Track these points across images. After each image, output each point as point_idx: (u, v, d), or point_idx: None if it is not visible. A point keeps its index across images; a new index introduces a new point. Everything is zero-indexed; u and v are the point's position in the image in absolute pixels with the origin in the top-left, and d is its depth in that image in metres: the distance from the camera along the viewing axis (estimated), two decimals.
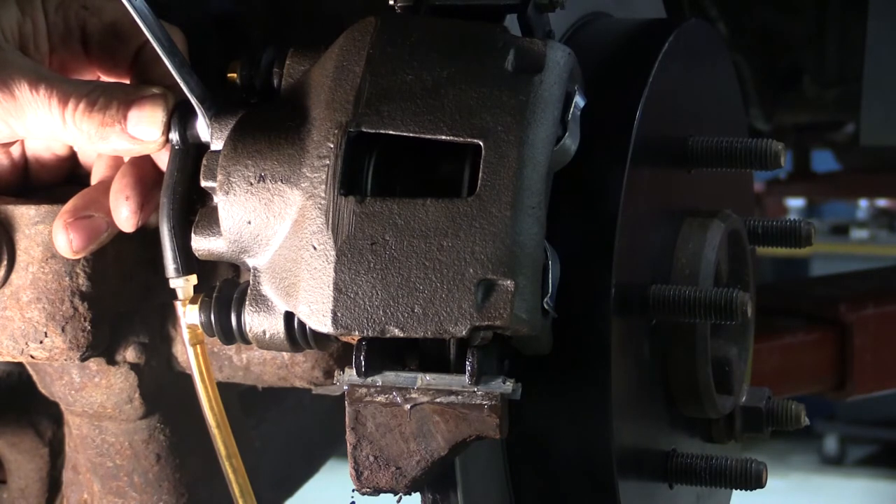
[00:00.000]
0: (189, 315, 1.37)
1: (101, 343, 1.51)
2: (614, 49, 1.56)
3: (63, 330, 1.48)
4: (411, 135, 1.26)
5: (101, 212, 1.42)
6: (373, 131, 1.27)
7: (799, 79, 3.73)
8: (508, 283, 1.22)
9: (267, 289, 1.30)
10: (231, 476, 1.43)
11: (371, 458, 1.28)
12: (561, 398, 1.43)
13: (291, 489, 2.28)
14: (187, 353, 1.41)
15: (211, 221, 1.34)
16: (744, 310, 1.49)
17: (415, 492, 1.32)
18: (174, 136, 1.37)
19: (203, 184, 1.33)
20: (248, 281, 1.31)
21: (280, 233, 1.29)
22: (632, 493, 1.48)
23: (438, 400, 1.26)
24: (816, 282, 3.16)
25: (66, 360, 1.50)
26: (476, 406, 1.25)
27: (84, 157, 1.52)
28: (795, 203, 8.50)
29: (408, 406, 1.27)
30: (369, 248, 1.24)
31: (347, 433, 1.28)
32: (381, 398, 1.27)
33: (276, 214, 1.29)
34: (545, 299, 1.26)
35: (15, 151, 1.50)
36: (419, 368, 1.28)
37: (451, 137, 1.25)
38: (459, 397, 1.25)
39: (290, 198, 1.28)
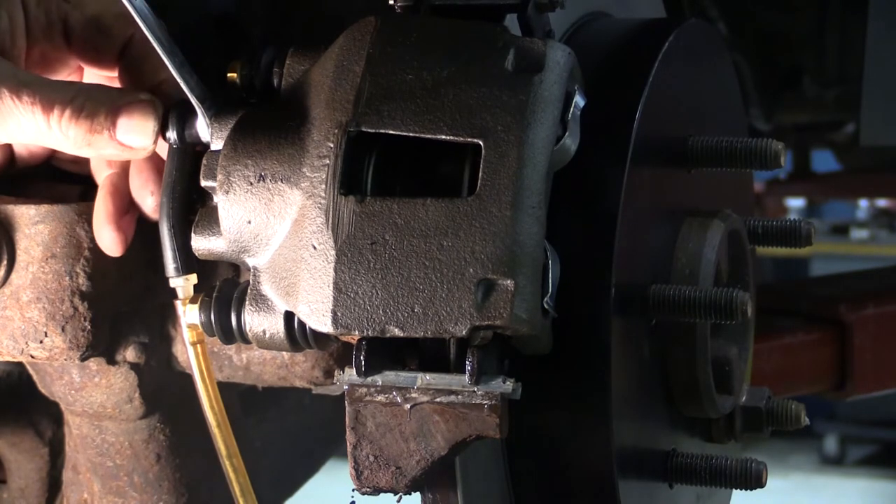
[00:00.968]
0: (189, 315, 1.37)
1: (101, 343, 1.51)
2: (614, 49, 1.56)
3: (63, 330, 1.48)
4: (411, 134, 1.26)
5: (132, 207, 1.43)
6: (373, 131, 1.27)
7: (799, 79, 3.73)
8: (508, 282, 1.22)
9: (267, 288, 1.30)
10: (232, 475, 1.43)
11: (371, 458, 1.28)
12: (561, 398, 1.43)
13: (291, 489, 2.28)
14: (188, 353, 1.41)
15: (211, 221, 1.34)
16: (744, 310, 1.49)
17: (415, 491, 1.32)
18: (172, 135, 1.37)
19: (203, 183, 1.33)
20: (248, 280, 1.31)
21: (280, 232, 1.29)
22: (632, 493, 1.48)
23: (438, 400, 1.26)
24: (816, 282, 3.16)
25: (66, 359, 1.50)
26: (476, 406, 1.25)
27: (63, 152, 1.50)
28: (795, 203, 8.50)
29: (408, 406, 1.27)
30: (369, 247, 1.24)
31: (347, 433, 1.28)
32: (381, 398, 1.27)
33: (276, 214, 1.29)
34: (545, 299, 1.26)
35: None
36: (419, 368, 1.28)
37: (451, 137, 1.25)
38: (459, 397, 1.25)
39: (290, 197, 1.28)
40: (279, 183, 1.29)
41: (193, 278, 1.39)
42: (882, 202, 8.78)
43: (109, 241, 1.43)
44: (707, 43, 1.68)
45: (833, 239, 8.66)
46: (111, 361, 1.56)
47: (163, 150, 1.41)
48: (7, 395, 1.80)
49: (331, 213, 1.25)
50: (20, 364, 1.73)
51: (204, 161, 1.34)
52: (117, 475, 1.66)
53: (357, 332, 1.24)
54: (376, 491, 1.29)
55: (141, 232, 1.46)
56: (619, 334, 1.43)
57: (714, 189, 1.67)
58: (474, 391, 1.25)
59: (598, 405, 1.42)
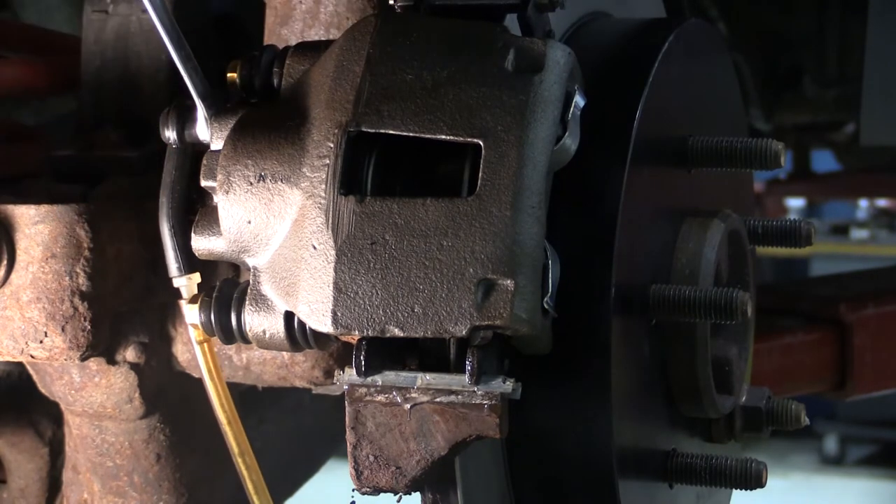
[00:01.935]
0: (189, 314, 1.37)
1: (101, 343, 1.51)
2: (614, 49, 1.56)
3: (63, 330, 1.48)
4: (411, 134, 1.26)
5: None
6: (373, 131, 1.27)
7: (799, 79, 3.73)
8: (508, 282, 1.22)
9: (267, 288, 1.29)
10: (245, 473, 1.42)
11: (371, 458, 1.28)
12: (561, 398, 1.43)
13: (291, 489, 2.28)
14: (193, 352, 1.41)
15: (211, 221, 1.34)
16: (744, 310, 1.49)
17: (415, 491, 1.32)
18: (171, 135, 1.37)
19: (203, 183, 1.33)
20: (248, 280, 1.31)
21: (280, 232, 1.29)
22: (632, 493, 1.48)
23: (438, 399, 1.26)
24: (816, 282, 3.15)
25: (66, 359, 1.50)
26: (476, 406, 1.25)
27: None
28: (795, 203, 8.50)
29: (408, 406, 1.27)
30: (369, 247, 1.24)
31: (347, 433, 1.28)
32: (381, 398, 1.27)
33: (276, 214, 1.29)
34: (545, 299, 1.26)
35: None
36: (419, 368, 1.28)
37: (451, 137, 1.25)
38: (459, 397, 1.25)
39: (290, 197, 1.28)
40: (279, 183, 1.29)
41: (197, 277, 1.38)
42: (882, 202, 8.78)
43: None
44: (707, 43, 1.68)
45: (833, 239, 8.67)
46: (111, 361, 1.56)
47: None
48: (7, 395, 1.80)
49: (331, 213, 1.25)
50: (20, 364, 1.73)
51: (204, 161, 1.33)
52: (117, 475, 1.66)
53: (357, 332, 1.24)
54: (376, 491, 1.29)
55: (141, 232, 1.46)
56: (619, 334, 1.43)
57: (714, 189, 1.67)
58: (474, 391, 1.25)
59: (598, 405, 1.42)
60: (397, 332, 1.23)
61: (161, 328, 1.58)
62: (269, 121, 1.32)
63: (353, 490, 1.31)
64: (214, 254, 1.34)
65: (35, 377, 1.63)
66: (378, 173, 1.28)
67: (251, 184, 1.30)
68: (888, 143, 3.19)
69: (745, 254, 1.68)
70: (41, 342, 1.48)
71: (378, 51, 1.29)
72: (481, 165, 1.24)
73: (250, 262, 1.31)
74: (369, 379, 1.27)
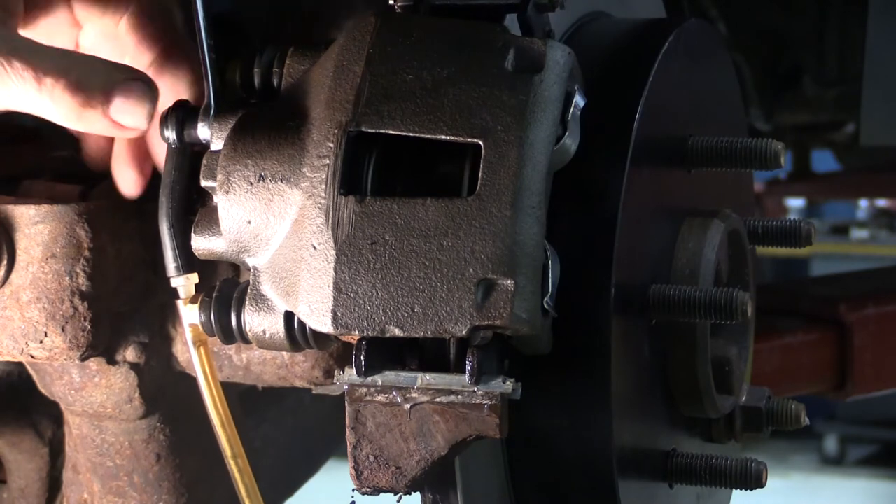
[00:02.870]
0: (189, 315, 1.37)
1: (101, 343, 1.51)
2: (614, 49, 1.56)
3: (63, 330, 1.48)
4: (411, 134, 1.26)
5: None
6: (373, 131, 1.27)
7: (799, 79, 3.73)
8: (508, 282, 1.22)
9: (267, 288, 1.30)
10: (237, 476, 1.42)
11: (371, 458, 1.28)
12: (561, 398, 1.43)
13: (291, 489, 2.28)
14: (190, 353, 1.41)
15: (211, 221, 1.34)
16: (744, 310, 1.49)
17: (415, 491, 1.32)
18: (171, 135, 1.37)
19: (203, 183, 1.33)
20: (248, 280, 1.31)
21: (280, 232, 1.29)
22: (632, 493, 1.48)
23: (438, 399, 1.26)
24: (816, 282, 3.16)
25: (66, 359, 1.50)
26: (476, 406, 1.25)
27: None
28: (795, 203, 8.51)
29: (408, 406, 1.27)
30: (369, 247, 1.24)
31: (347, 433, 1.28)
32: (381, 398, 1.27)
33: (276, 214, 1.29)
34: (545, 299, 1.26)
35: None
36: (419, 368, 1.28)
37: (451, 137, 1.25)
38: (459, 397, 1.25)
39: (290, 197, 1.28)
40: (279, 183, 1.29)
41: (194, 277, 1.38)
42: (882, 202, 8.79)
43: (129, 181, 1.42)
44: (707, 43, 1.68)
45: (833, 239, 8.67)
46: (111, 361, 1.56)
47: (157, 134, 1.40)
48: (7, 395, 1.80)
49: (331, 213, 1.25)
50: (20, 364, 1.73)
51: (204, 161, 1.33)
52: (117, 475, 1.66)
53: (357, 332, 1.24)
54: (376, 491, 1.29)
55: (141, 232, 1.46)
56: (619, 334, 1.43)
57: (714, 189, 1.67)
58: (474, 391, 1.25)
59: (598, 405, 1.42)
60: (397, 332, 1.23)
61: (161, 328, 1.58)
62: (269, 121, 1.32)
63: (353, 490, 1.31)
64: (214, 254, 1.34)
65: (35, 377, 1.63)
66: (378, 173, 1.28)
67: (251, 184, 1.30)
68: (888, 143, 3.19)
69: (745, 254, 1.68)
70: (41, 342, 1.48)
71: (378, 51, 1.29)
72: (481, 165, 1.24)
73: (250, 262, 1.31)
74: (369, 379, 1.27)
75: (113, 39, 1.45)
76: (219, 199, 1.31)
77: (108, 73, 1.34)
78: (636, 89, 1.47)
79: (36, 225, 1.47)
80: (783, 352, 2.50)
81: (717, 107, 1.72)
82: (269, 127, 1.31)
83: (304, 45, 1.37)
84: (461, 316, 1.22)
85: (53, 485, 1.82)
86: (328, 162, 1.26)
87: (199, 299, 1.35)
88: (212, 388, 1.41)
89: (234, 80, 1.37)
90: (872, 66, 2.86)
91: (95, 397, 1.59)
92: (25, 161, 1.66)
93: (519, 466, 1.48)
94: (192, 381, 1.45)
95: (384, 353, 1.27)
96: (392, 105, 1.27)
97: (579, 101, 1.31)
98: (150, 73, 1.39)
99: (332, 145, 1.27)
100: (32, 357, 1.50)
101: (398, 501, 1.37)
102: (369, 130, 1.27)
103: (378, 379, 1.27)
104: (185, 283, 1.38)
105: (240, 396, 1.75)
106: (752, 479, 1.58)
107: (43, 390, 1.63)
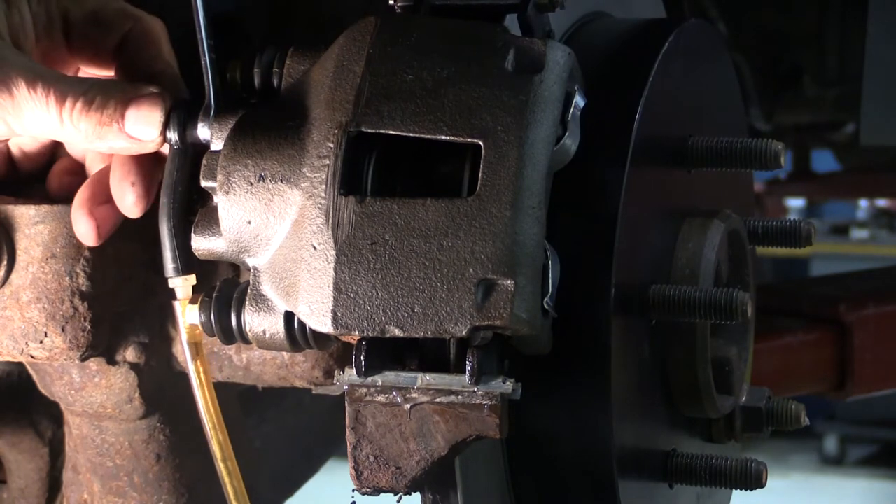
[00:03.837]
0: (189, 315, 1.37)
1: (101, 343, 1.51)
2: (614, 49, 1.56)
3: (63, 330, 1.48)
4: (411, 135, 1.26)
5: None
6: (373, 131, 1.27)
7: (799, 79, 3.73)
8: (508, 282, 1.22)
9: (267, 288, 1.30)
10: (226, 479, 1.42)
11: (371, 458, 1.28)
12: (561, 398, 1.43)
13: (291, 489, 2.28)
14: (185, 354, 1.41)
15: (211, 221, 1.34)
16: (744, 310, 1.49)
17: (415, 492, 1.32)
18: (173, 135, 1.37)
19: (203, 184, 1.33)
20: (248, 281, 1.31)
21: (280, 233, 1.29)
22: (632, 493, 1.48)
23: (438, 400, 1.26)
24: (816, 282, 3.15)
25: (66, 360, 1.50)
26: (476, 406, 1.25)
27: (72, 147, 1.51)
28: (795, 203, 8.51)
29: (408, 406, 1.27)
30: (369, 247, 1.24)
31: (347, 433, 1.28)
32: (381, 398, 1.27)
33: (276, 214, 1.29)
34: (545, 299, 1.26)
35: None
36: (419, 368, 1.28)
37: (452, 137, 1.25)
38: (459, 397, 1.25)
39: (290, 198, 1.28)
40: (279, 183, 1.29)
41: (192, 278, 1.38)
42: (882, 202, 8.79)
43: (84, 228, 1.42)
44: (707, 43, 1.68)
45: (833, 239, 8.67)
46: (111, 361, 1.56)
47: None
48: (7, 395, 1.80)
49: (331, 213, 1.25)
50: (20, 364, 1.73)
51: (204, 161, 1.33)
52: (117, 475, 1.66)
53: (357, 332, 1.24)
54: (376, 491, 1.29)
55: (141, 232, 1.46)
56: (619, 334, 1.43)
57: (714, 189, 1.67)
58: (474, 391, 1.25)
59: (598, 405, 1.42)
60: (397, 333, 1.23)
61: (161, 328, 1.58)
62: (269, 121, 1.32)
63: (353, 490, 1.31)
64: (214, 254, 1.34)
65: (35, 377, 1.63)
66: (378, 173, 1.28)
67: (251, 184, 1.30)
68: (888, 143, 3.19)
69: (745, 254, 1.68)
70: (41, 342, 1.48)
71: (378, 51, 1.29)
72: (481, 165, 1.24)
73: (250, 262, 1.31)
74: (369, 379, 1.27)
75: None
76: (219, 199, 1.31)
77: (123, 90, 1.38)
78: (636, 89, 1.47)
79: (36, 225, 1.47)
80: (783, 352, 2.50)
81: (717, 107, 1.72)
82: (269, 127, 1.31)
83: (304, 45, 1.37)
84: (461, 316, 1.22)
85: (53, 485, 1.82)
86: (328, 162, 1.26)
87: (200, 299, 1.35)
88: (204, 389, 1.41)
89: (234, 80, 1.37)
90: (872, 66, 2.86)
91: (95, 397, 1.59)
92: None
93: (519, 466, 1.48)
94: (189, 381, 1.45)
95: (384, 354, 1.27)
96: (392, 105, 1.27)
97: (579, 101, 1.31)
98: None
99: (332, 145, 1.27)
100: (32, 357, 1.50)
101: (398, 501, 1.37)
102: (369, 131, 1.27)
103: (378, 379, 1.27)
104: (182, 284, 1.38)
105: (240, 396, 1.75)
106: (752, 479, 1.58)
107: (43, 390, 1.63)
